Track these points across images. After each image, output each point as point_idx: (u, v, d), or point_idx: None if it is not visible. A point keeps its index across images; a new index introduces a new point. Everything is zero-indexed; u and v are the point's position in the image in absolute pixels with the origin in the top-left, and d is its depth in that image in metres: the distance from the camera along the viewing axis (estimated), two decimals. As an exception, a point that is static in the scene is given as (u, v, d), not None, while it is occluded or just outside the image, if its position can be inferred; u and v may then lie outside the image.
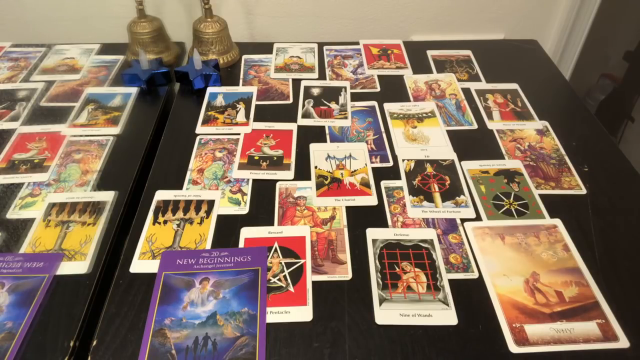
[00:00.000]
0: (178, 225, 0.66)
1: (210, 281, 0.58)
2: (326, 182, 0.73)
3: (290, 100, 0.91)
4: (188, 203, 0.69)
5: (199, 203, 0.69)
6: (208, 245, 0.63)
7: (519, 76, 0.97)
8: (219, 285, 0.58)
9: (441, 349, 0.53)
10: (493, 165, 0.76)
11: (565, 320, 0.55)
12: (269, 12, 1.11)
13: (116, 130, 0.82)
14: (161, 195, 0.70)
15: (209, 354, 0.51)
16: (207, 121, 0.85)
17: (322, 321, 0.55)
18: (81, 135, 0.81)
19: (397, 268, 0.61)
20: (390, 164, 0.77)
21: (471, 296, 0.58)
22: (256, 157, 0.78)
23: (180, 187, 0.72)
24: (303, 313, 0.56)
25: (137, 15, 0.96)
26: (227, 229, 0.66)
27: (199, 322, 0.54)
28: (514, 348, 0.53)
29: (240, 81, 0.96)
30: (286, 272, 0.60)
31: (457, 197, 0.71)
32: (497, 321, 0.55)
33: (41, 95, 0.90)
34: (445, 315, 0.56)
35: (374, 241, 0.64)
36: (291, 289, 0.58)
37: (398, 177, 0.74)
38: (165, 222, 0.67)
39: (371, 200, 0.70)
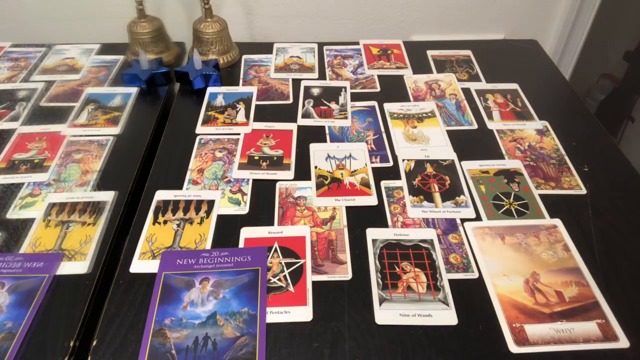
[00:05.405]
0: (178, 225, 0.66)
1: (210, 281, 0.58)
2: (326, 182, 0.73)
3: (290, 100, 0.91)
4: (188, 203, 0.69)
5: (199, 203, 0.69)
6: (208, 245, 0.63)
7: (519, 76, 0.97)
8: (219, 285, 0.58)
9: (441, 349, 0.53)
10: (493, 165, 0.76)
11: (565, 320, 0.55)
12: (269, 12, 1.11)
13: (116, 130, 0.82)
14: (161, 195, 0.70)
15: (209, 354, 0.51)
16: (207, 121, 0.85)
17: (322, 321, 0.55)
18: (81, 135, 0.81)
19: (397, 268, 0.61)
20: (390, 164, 0.77)
21: (471, 296, 0.58)
22: (256, 157, 0.78)
23: (180, 187, 0.72)
24: (303, 313, 0.56)
25: (137, 15, 0.96)
26: (227, 229, 0.66)
27: (199, 322, 0.54)
28: (514, 348, 0.53)
29: (240, 81, 0.96)
30: (286, 272, 0.60)
31: (457, 197, 0.71)
32: (497, 321, 0.55)
33: (41, 95, 0.90)
34: (445, 315, 0.56)
35: (374, 241, 0.64)
36: (291, 289, 0.58)
37: (398, 177, 0.74)
38: (165, 222, 0.67)
39: (371, 200, 0.70)
